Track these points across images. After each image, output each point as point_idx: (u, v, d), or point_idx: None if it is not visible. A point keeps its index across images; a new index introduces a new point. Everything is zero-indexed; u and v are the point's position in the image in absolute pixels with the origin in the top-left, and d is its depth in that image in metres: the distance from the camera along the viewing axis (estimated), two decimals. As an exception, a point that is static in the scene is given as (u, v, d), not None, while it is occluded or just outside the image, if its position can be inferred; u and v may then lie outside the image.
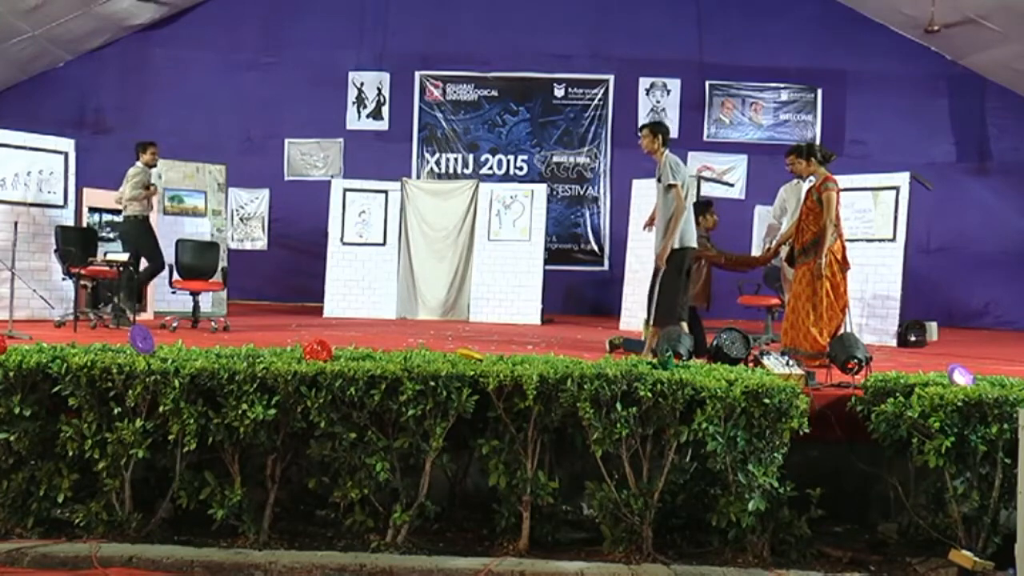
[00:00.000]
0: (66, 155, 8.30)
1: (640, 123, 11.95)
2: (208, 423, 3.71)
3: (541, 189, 10.39)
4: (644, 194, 9.70)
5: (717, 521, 3.75)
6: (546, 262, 10.34)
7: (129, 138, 11.43)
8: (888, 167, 9.16)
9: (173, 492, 3.83)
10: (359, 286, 10.23)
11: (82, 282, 7.56)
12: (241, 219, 12.21)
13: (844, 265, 5.77)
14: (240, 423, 3.66)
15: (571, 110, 12.29)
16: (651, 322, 5.70)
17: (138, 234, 7.86)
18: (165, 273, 8.06)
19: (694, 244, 5.80)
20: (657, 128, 5.91)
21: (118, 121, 12.15)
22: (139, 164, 7.98)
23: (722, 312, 8.04)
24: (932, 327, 8.63)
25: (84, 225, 8.46)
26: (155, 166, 8.15)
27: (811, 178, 5.96)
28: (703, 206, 6.60)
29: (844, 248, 5.82)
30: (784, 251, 6.54)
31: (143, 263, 7.89)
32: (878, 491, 4.18)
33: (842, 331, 5.56)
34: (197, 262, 8.11)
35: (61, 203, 8.22)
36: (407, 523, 3.80)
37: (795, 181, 7.12)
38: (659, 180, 5.81)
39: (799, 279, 5.81)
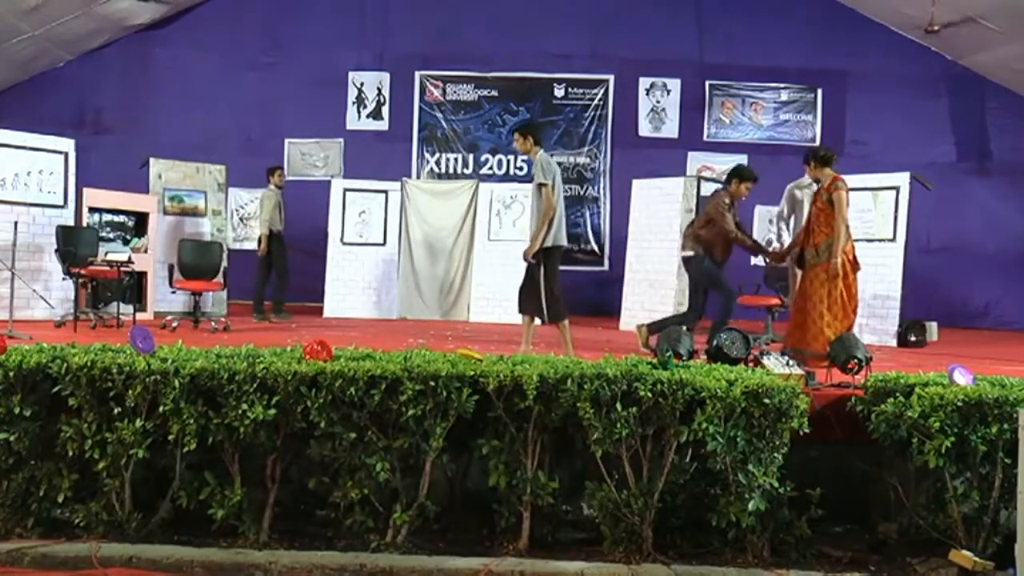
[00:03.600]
0: (66, 155, 8.31)
1: (640, 123, 12.07)
2: (208, 423, 3.71)
3: (541, 189, 10.37)
4: (644, 194, 9.70)
5: (717, 521, 3.75)
6: (546, 262, 10.31)
7: (129, 138, 11.58)
8: (888, 167, 9.14)
9: (173, 492, 3.83)
10: (359, 286, 10.23)
11: (82, 282, 7.57)
12: (241, 219, 12.19)
13: (855, 265, 5.76)
14: (240, 423, 3.66)
15: (571, 110, 12.27)
16: (545, 319, 6.00)
17: (279, 249, 9.10)
18: (165, 273, 8.08)
19: (564, 243, 6.00)
20: (526, 130, 5.98)
21: (118, 121, 12.14)
22: (276, 189, 9.10)
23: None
24: (932, 327, 8.63)
25: (84, 225, 8.45)
26: (282, 187, 9.27)
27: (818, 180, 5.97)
28: (738, 174, 6.36)
29: (854, 248, 5.81)
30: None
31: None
32: (878, 491, 4.18)
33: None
34: (198, 262, 8.11)
35: (61, 203, 8.23)
36: (407, 523, 3.80)
37: (804, 178, 7.13)
38: (532, 180, 5.88)
39: (811, 280, 5.77)
